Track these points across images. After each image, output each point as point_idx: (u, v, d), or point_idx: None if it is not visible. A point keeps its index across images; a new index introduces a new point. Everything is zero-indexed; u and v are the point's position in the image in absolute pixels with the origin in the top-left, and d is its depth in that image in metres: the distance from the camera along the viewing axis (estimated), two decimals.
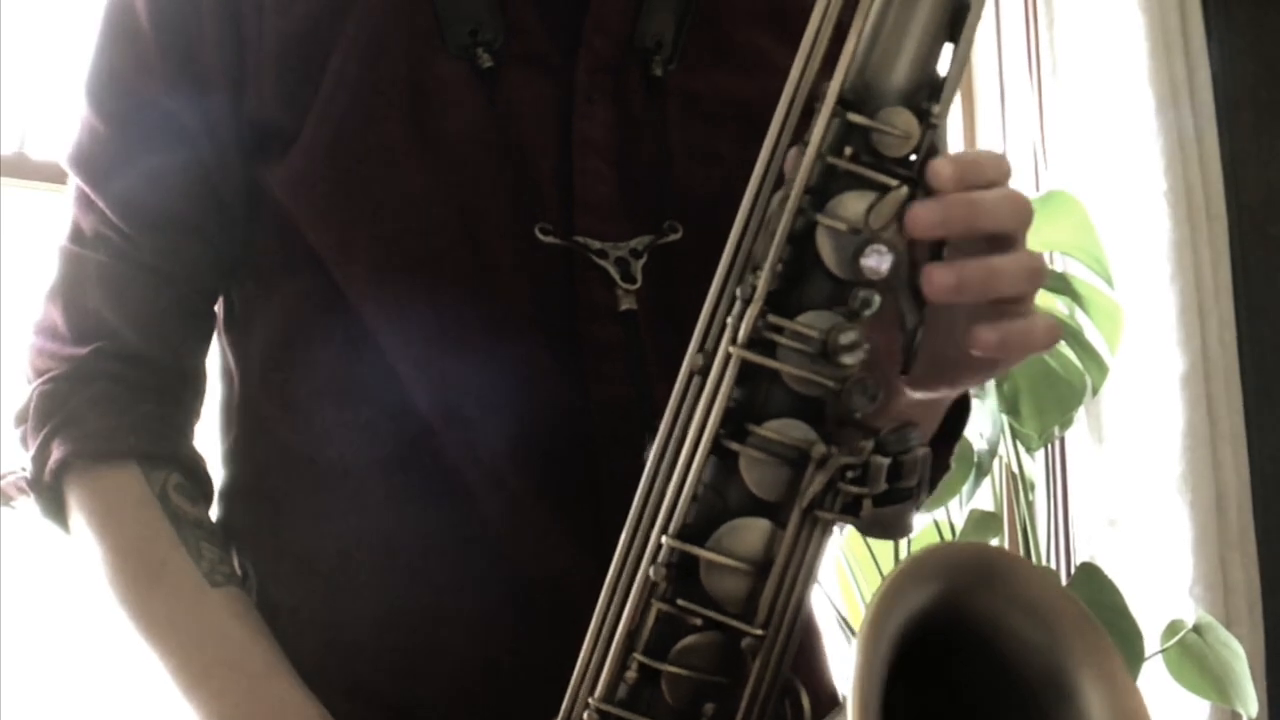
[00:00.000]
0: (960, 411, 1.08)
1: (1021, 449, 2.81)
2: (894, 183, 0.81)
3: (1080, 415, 2.87)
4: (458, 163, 1.02)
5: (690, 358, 0.84)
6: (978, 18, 0.84)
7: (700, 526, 0.83)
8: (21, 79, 2.32)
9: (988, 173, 0.85)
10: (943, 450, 1.09)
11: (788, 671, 0.84)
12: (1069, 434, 3.03)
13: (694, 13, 1.11)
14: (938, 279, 0.81)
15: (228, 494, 1.12)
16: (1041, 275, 0.87)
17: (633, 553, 0.85)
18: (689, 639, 0.83)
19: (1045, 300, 2.83)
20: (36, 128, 2.36)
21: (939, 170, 0.81)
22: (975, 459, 2.66)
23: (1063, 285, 2.80)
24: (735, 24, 1.13)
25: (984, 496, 2.81)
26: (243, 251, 1.10)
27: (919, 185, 0.82)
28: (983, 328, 0.83)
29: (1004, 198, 0.85)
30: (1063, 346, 2.80)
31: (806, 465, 0.82)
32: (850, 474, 0.81)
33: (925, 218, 0.81)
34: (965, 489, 2.73)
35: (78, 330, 1.08)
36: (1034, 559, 2.81)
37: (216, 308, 1.14)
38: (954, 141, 3.40)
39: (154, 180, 1.07)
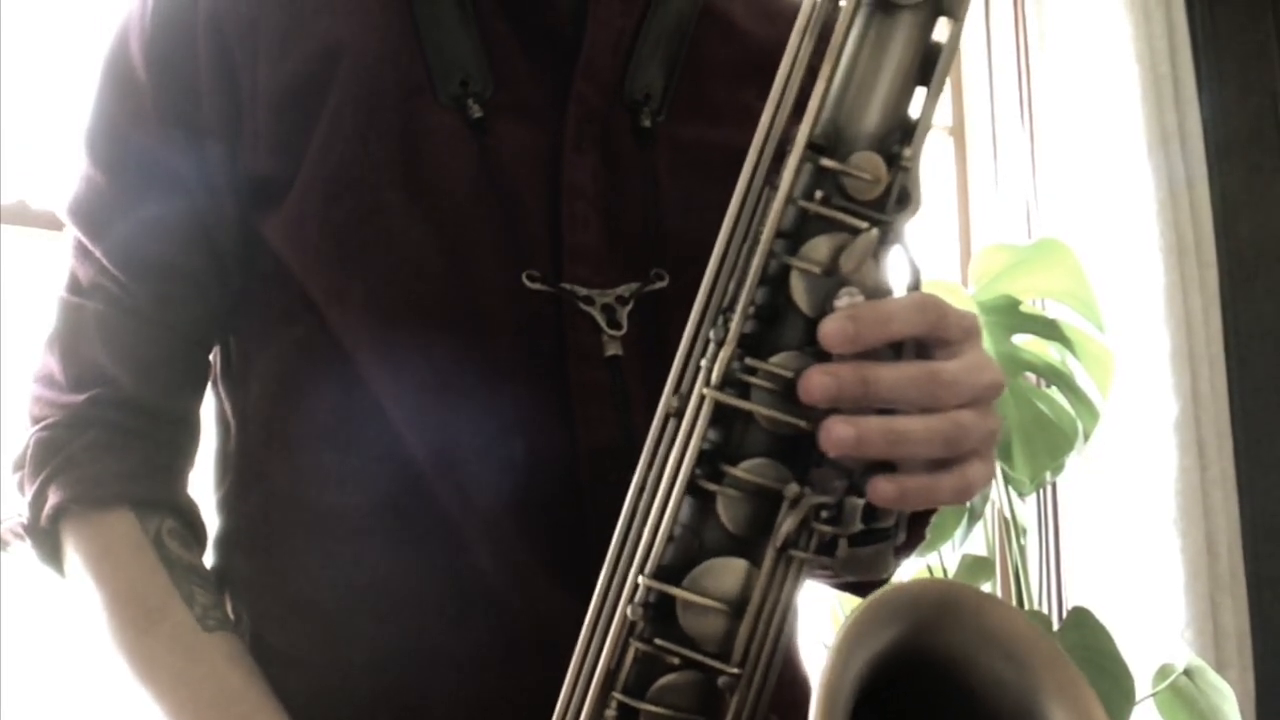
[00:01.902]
0: None
1: (1014, 494, 2.81)
2: (864, 225, 0.81)
3: (1072, 460, 2.88)
4: (449, 211, 1.03)
5: (666, 400, 0.85)
6: (949, 62, 0.84)
7: (677, 566, 0.83)
8: (22, 129, 2.33)
9: (896, 327, 0.82)
10: (921, 519, 1.11)
11: (765, 709, 0.84)
12: (1061, 479, 3.04)
13: (682, 67, 1.13)
14: (836, 432, 0.80)
15: (223, 540, 1.13)
16: (971, 439, 0.84)
17: (611, 592, 0.85)
18: (667, 678, 0.84)
19: (1037, 346, 2.84)
20: (37, 177, 2.37)
21: (826, 332, 0.80)
22: (968, 504, 2.67)
23: (1054, 331, 2.81)
24: (721, 79, 1.15)
25: (976, 541, 2.81)
26: (239, 299, 1.11)
27: (891, 227, 0.83)
28: (880, 480, 0.82)
29: (909, 378, 0.82)
30: (1054, 392, 2.81)
31: (780, 505, 0.82)
32: (825, 514, 0.82)
33: (815, 387, 0.80)
34: (958, 534, 2.74)
35: (75, 378, 1.09)
36: (1026, 603, 2.81)
37: (212, 356, 1.15)
38: (947, 187, 3.42)
39: (150, 230, 1.08)
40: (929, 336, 0.83)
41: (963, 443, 0.84)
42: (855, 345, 0.80)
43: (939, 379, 0.83)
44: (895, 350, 0.83)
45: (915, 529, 1.09)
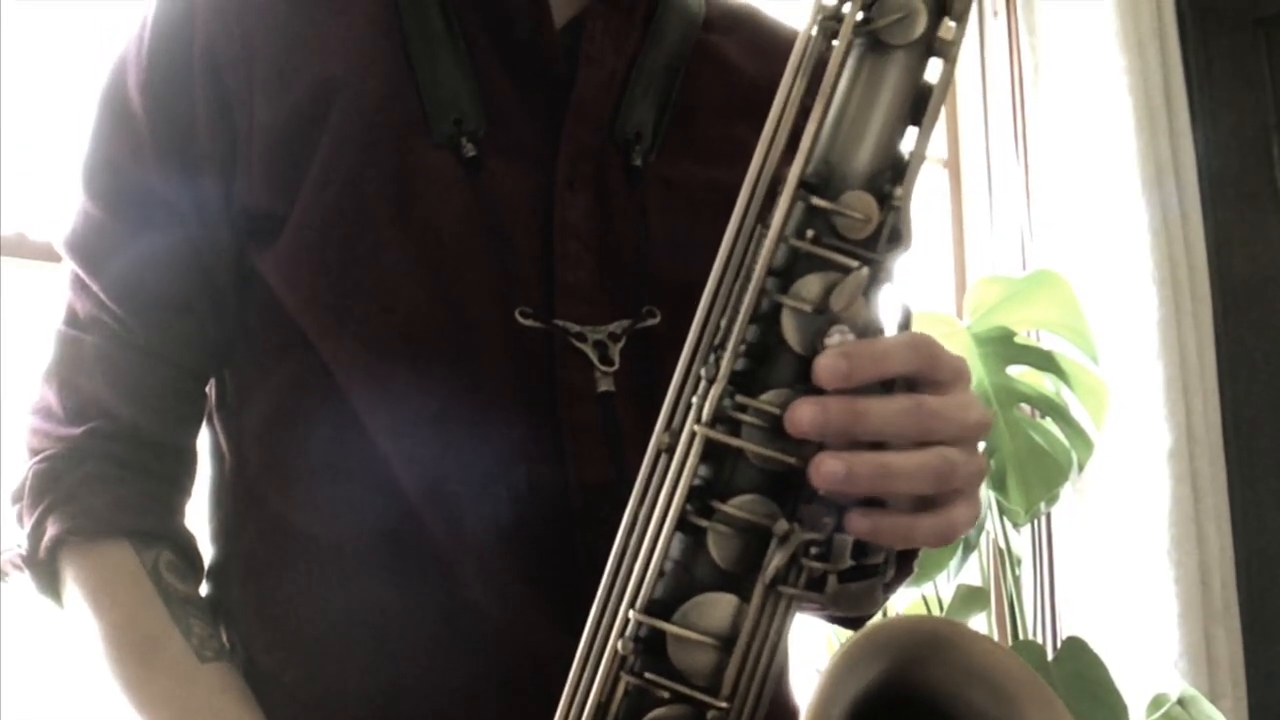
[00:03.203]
0: None
1: (1008, 524, 2.82)
2: (855, 264, 0.82)
3: (1066, 491, 2.89)
4: (443, 249, 1.03)
5: (657, 436, 0.85)
6: (941, 101, 0.84)
7: (667, 601, 0.83)
8: (21, 161, 2.34)
9: (889, 364, 0.82)
10: (909, 553, 1.12)
11: None
12: (1055, 509, 3.04)
13: (673, 105, 1.13)
14: (825, 467, 0.80)
15: (218, 570, 1.13)
16: (958, 477, 0.84)
17: (602, 626, 0.85)
18: (657, 711, 0.84)
19: (1032, 377, 2.85)
20: (36, 209, 2.37)
21: (819, 368, 0.80)
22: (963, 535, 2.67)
23: (1049, 363, 2.82)
24: (713, 116, 1.16)
25: (971, 571, 2.82)
26: (235, 331, 1.11)
27: (882, 266, 0.83)
28: (855, 513, 0.82)
29: (898, 410, 0.82)
30: (1049, 423, 2.82)
31: (770, 541, 0.82)
32: (814, 550, 0.82)
33: (804, 418, 0.80)
34: (953, 564, 2.75)
35: (72, 411, 1.10)
36: (1021, 633, 2.82)
37: (208, 388, 1.15)
38: (942, 220, 3.43)
39: (147, 264, 1.09)
40: (920, 376, 0.84)
41: (951, 479, 0.84)
42: (848, 382, 0.80)
43: (928, 410, 0.83)
44: (886, 390, 0.83)
45: (904, 563, 1.09)
